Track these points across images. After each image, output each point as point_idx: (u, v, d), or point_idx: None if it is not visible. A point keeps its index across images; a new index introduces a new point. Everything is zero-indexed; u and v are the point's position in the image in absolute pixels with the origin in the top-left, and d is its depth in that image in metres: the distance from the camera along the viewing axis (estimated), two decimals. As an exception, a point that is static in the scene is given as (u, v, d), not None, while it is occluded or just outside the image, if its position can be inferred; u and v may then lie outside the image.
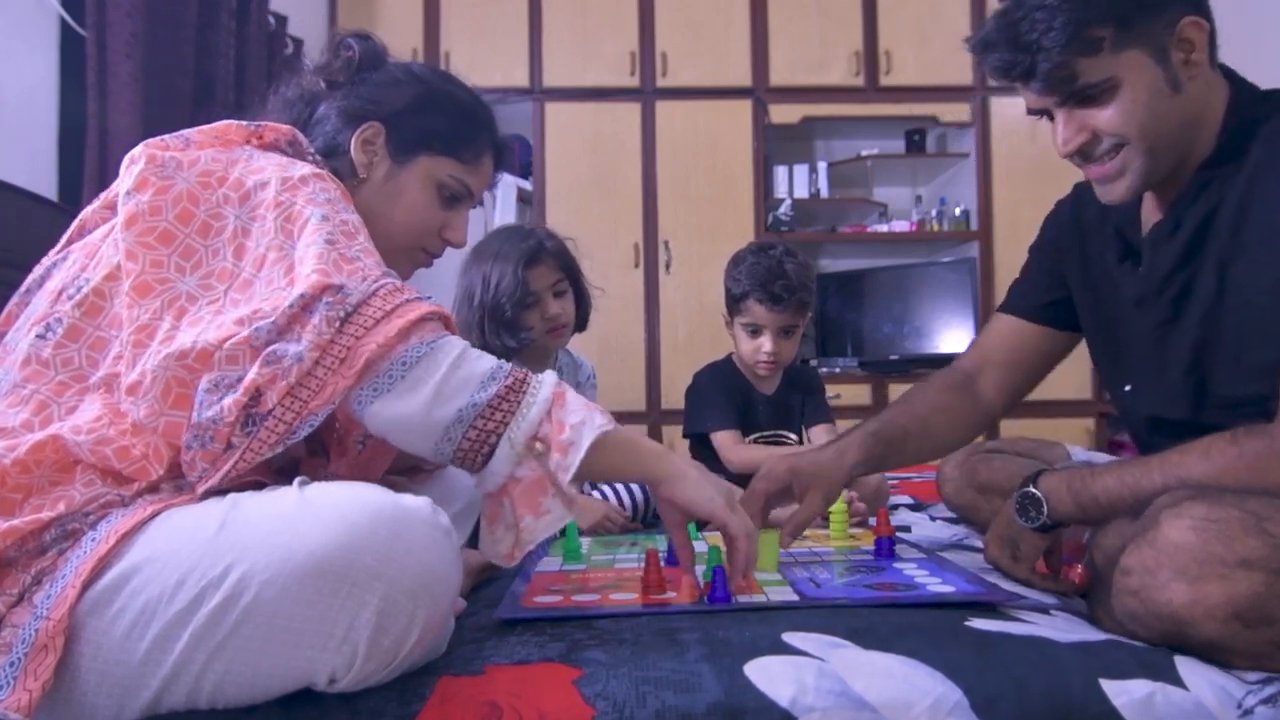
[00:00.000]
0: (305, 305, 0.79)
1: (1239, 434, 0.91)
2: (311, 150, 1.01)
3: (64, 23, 2.18)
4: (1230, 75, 1.06)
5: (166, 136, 0.93)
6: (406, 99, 1.06)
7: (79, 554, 0.73)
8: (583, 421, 0.84)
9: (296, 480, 0.77)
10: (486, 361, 0.84)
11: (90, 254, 0.89)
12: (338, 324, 0.79)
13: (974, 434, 1.37)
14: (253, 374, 0.77)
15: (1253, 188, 0.99)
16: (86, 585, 0.71)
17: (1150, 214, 1.12)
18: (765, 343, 1.77)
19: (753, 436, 1.82)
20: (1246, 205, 0.99)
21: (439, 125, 1.06)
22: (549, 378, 0.87)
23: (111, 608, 0.70)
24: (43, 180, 2.07)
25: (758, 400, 1.85)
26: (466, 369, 0.82)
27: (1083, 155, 1.05)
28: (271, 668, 0.70)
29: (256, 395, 0.77)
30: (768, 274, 1.73)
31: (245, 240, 0.86)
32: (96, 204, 0.95)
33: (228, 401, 0.76)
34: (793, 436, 1.87)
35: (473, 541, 1.31)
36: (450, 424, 0.81)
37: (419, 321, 0.82)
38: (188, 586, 0.69)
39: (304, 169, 0.91)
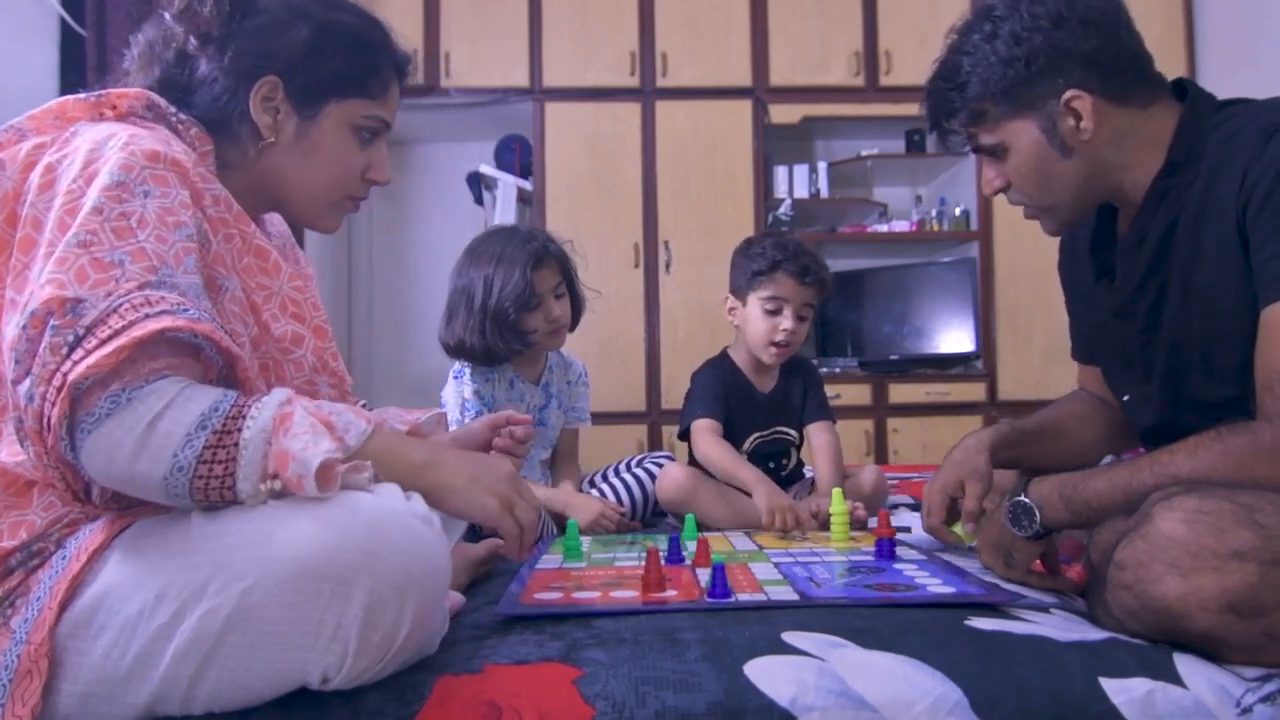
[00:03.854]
0: (37, 326, 0.70)
1: (1223, 431, 0.93)
2: (173, 110, 0.91)
3: (64, 23, 2.18)
4: (1188, 90, 1.09)
5: None
6: (300, 44, 0.93)
7: (50, 574, 0.72)
8: (305, 447, 0.72)
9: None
10: (196, 406, 0.71)
11: None
12: (65, 351, 0.69)
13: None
14: (24, 420, 0.70)
15: (1207, 195, 1.02)
16: (63, 606, 0.70)
17: (1123, 228, 1.16)
18: (785, 320, 1.72)
19: (754, 436, 1.79)
20: (1203, 213, 1.02)
21: (341, 66, 0.95)
22: (271, 400, 0.75)
23: (91, 627, 0.70)
24: (43, 180, 2.07)
25: (757, 398, 1.81)
26: (168, 423, 0.70)
27: (1008, 197, 1.16)
28: (262, 672, 0.70)
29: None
30: (796, 248, 1.74)
31: (35, 233, 0.77)
32: None
33: (28, 450, 0.71)
34: (793, 433, 1.83)
35: (470, 535, 1.31)
36: (162, 492, 0.71)
37: (145, 341, 0.70)
38: (168, 600, 0.69)
39: (123, 138, 0.80)
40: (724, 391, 1.77)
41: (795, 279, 1.71)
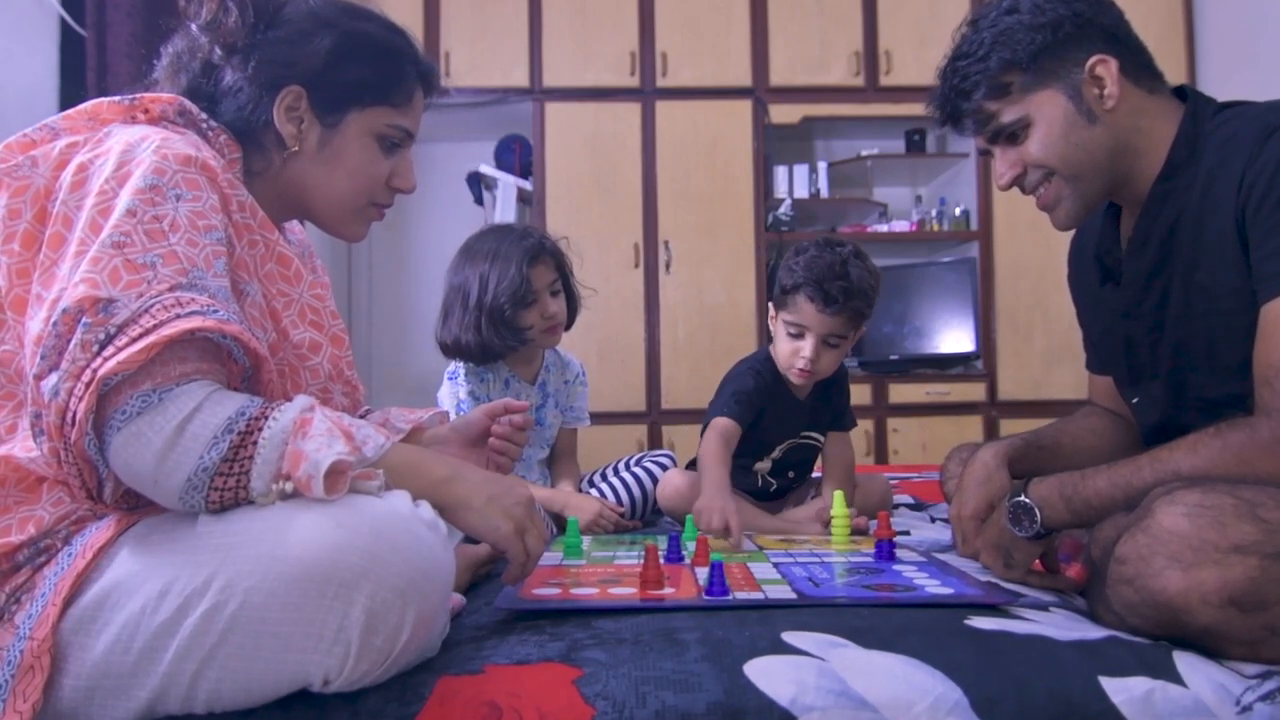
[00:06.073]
0: (68, 323, 0.71)
1: (1222, 428, 0.93)
2: (204, 117, 0.92)
3: (64, 23, 2.18)
4: (1189, 94, 1.11)
5: (30, 130, 0.86)
6: (323, 53, 0.95)
7: (56, 570, 0.73)
8: (318, 449, 0.74)
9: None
10: (224, 410, 0.73)
11: None
12: (95, 348, 0.70)
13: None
14: (44, 415, 0.71)
15: (1207, 196, 1.03)
16: (68, 602, 0.71)
17: (1127, 231, 1.17)
18: (805, 348, 1.55)
19: (786, 442, 1.70)
20: (1203, 213, 1.04)
21: (363, 75, 0.97)
22: (295, 404, 0.77)
23: (95, 623, 0.70)
24: (43, 180, 2.07)
25: (795, 402, 1.68)
26: (197, 425, 0.71)
27: (1021, 188, 1.15)
28: (264, 672, 0.70)
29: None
30: (827, 271, 1.51)
31: (65, 230, 0.78)
32: None
33: (43, 445, 0.72)
34: (819, 437, 1.75)
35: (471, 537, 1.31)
36: (182, 491, 0.72)
37: (176, 340, 0.72)
38: (171, 597, 0.69)
39: (156, 141, 0.81)
40: (758, 396, 1.62)
41: (815, 306, 1.53)
